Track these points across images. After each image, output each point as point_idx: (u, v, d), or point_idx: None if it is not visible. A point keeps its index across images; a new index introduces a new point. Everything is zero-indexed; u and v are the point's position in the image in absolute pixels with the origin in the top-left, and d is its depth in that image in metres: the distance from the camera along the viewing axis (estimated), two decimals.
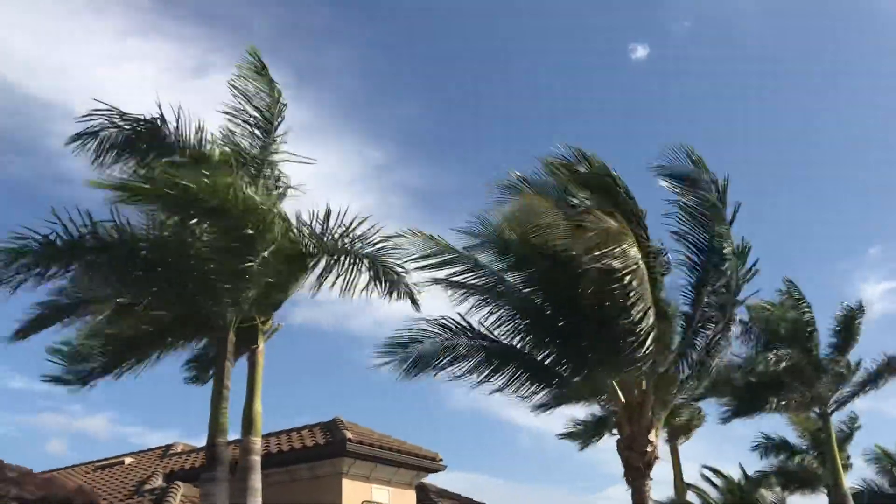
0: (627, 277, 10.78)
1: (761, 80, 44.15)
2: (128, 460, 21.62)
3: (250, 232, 10.36)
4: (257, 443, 14.01)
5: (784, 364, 21.95)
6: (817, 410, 23.31)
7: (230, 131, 11.51)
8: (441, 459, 19.03)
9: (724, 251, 12.18)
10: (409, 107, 46.69)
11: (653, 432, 12.26)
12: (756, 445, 27.91)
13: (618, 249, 10.64)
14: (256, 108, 11.57)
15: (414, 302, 12.13)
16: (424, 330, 12.83)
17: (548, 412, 13.24)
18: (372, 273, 11.75)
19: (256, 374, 14.16)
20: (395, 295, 12.21)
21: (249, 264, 10.61)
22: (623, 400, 12.53)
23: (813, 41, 42.81)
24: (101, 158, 10.84)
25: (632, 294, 10.88)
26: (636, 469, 12.08)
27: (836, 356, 22.70)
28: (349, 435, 16.78)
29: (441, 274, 12.52)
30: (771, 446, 27.99)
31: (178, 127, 11.11)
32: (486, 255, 12.93)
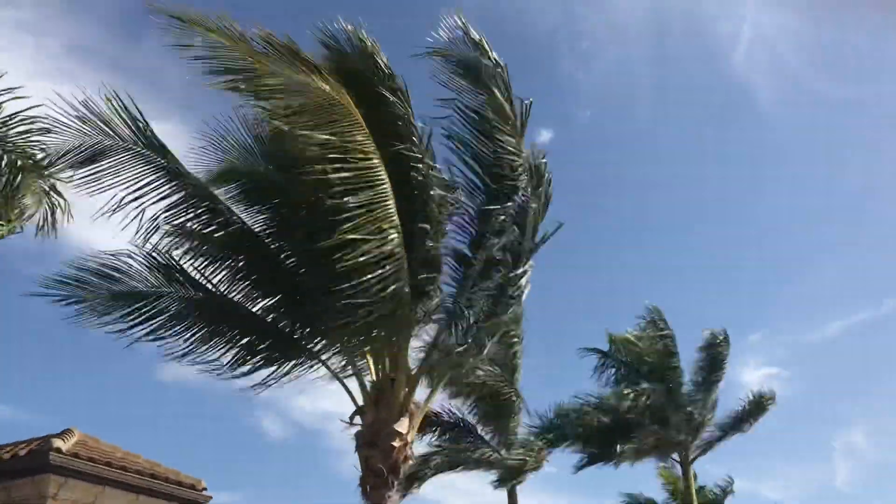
0: (347, 174, 7.25)
1: (654, 166, 42.88)
2: None
3: None
4: None
5: (643, 402, 19.02)
6: (677, 458, 20.14)
7: None
8: (205, 489, 15.10)
9: (516, 172, 8.70)
10: None
11: (404, 423, 8.51)
12: None
13: (338, 128, 7.13)
14: None
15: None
16: (127, 264, 9.06)
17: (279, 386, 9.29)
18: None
19: None
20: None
21: None
22: (374, 377, 8.85)
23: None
24: None
25: (363, 207, 7.36)
26: (376, 474, 8.27)
27: (700, 392, 19.72)
28: (58, 444, 12.66)
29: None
30: None
31: None
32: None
